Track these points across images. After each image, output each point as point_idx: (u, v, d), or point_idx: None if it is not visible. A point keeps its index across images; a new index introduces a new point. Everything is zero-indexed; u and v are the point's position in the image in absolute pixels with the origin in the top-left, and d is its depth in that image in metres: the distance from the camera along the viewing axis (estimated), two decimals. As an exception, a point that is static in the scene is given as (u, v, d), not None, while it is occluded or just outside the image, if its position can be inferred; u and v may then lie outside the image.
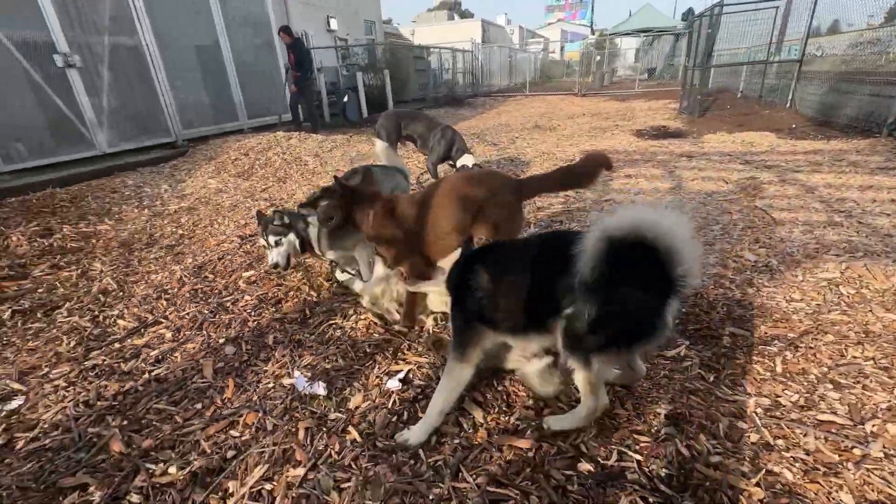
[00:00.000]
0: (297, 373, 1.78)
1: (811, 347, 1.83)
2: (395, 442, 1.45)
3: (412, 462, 1.39)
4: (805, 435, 1.43)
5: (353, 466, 1.38)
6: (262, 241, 2.42)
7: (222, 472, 1.37)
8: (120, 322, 2.22)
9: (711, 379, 1.68)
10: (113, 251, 3.07)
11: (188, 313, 2.27)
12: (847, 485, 1.26)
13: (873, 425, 1.45)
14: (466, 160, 4.26)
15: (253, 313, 2.26)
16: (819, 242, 2.76)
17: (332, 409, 1.62)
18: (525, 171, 5.19)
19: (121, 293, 2.51)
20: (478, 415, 1.57)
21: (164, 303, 2.38)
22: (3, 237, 3.19)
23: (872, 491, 1.24)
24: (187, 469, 1.38)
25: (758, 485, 1.26)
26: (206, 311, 2.27)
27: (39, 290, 2.52)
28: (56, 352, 1.99)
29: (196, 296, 2.45)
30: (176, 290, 2.51)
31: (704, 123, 8.57)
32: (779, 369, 1.72)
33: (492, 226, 1.97)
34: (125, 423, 1.57)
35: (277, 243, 2.35)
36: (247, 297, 2.41)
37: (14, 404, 1.68)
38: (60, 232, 3.32)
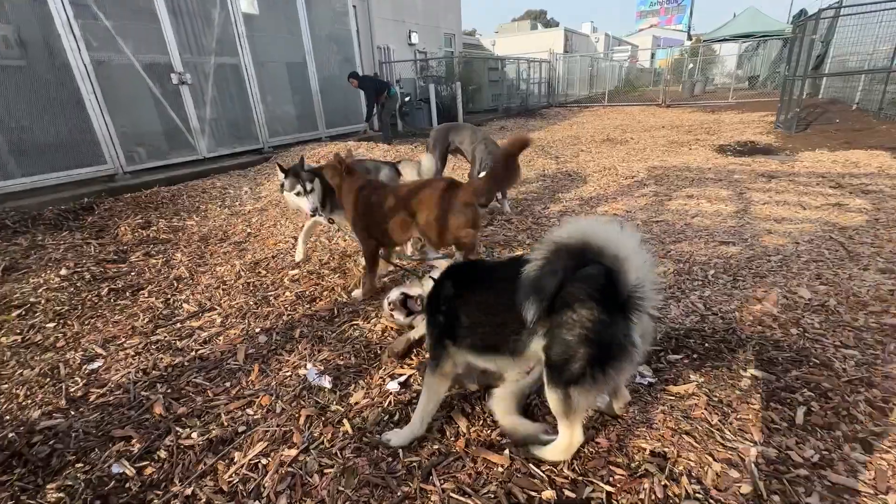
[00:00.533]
0: (310, 365, 1.98)
1: (847, 401, 1.64)
2: (379, 439, 1.57)
3: (390, 459, 1.50)
4: (808, 495, 1.30)
5: (339, 455, 1.52)
6: (289, 192, 2.69)
7: (231, 443, 1.59)
8: (185, 306, 2.61)
9: (714, 421, 1.58)
10: (193, 244, 3.58)
11: (237, 303, 2.60)
12: (842, 557, 1.14)
13: (899, 497, 1.28)
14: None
15: (289, 308, 2.53)
16: (899, 284, 2.40)
17: (335, 402, 1.78)
18: (580, 186, 5.07)
19: (190, 281, 2.93)
20: (462, 425, 1.63)
21: (221, 292, 2.75)
22: (114, 227, 3.87)
23: (873, 569, 1.11)
24: (206, 436, 1.63)
25: (729, 538, 1.18)
26: (251, 303, 2.59)
27: (132, 274, 3.04)
28: (133, 326, 2.40)
29: (247, 288, 2.79)
30: (233, 281, 2.88)
31: (803, 139, 7.69)
32: (799, 420, 1.57)
33: (429, 225, 2.27)
34: (169, 391, 1.87)
35: (312, 189, 2.69)
36: (287, 294, 2.69)
37: (95, 365, 2.07)
38: (157, 225, 3.94)
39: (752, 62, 25.86)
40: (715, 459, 1.43)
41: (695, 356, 1.94)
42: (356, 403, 1.78)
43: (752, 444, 1.48)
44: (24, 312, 2.54)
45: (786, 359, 1.89)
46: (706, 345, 2.02)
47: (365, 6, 12.69)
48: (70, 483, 1.45)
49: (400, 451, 1.52)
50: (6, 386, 1.95)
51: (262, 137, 7.56)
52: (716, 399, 1.68)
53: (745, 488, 1.33)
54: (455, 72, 13.91)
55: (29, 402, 1.85)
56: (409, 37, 16.25)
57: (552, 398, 1.32)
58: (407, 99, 12.27)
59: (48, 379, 1.99)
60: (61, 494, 1.41)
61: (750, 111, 12.63)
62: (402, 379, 1.89)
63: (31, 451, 1.57)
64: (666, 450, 1.47)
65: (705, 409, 1.63)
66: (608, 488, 1.35)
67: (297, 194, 2.69)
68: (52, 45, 5.33)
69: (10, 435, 1.65)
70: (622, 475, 1.39)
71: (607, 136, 9.38)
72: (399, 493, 1.37)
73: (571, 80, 23.47)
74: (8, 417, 1.76)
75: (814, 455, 1.43)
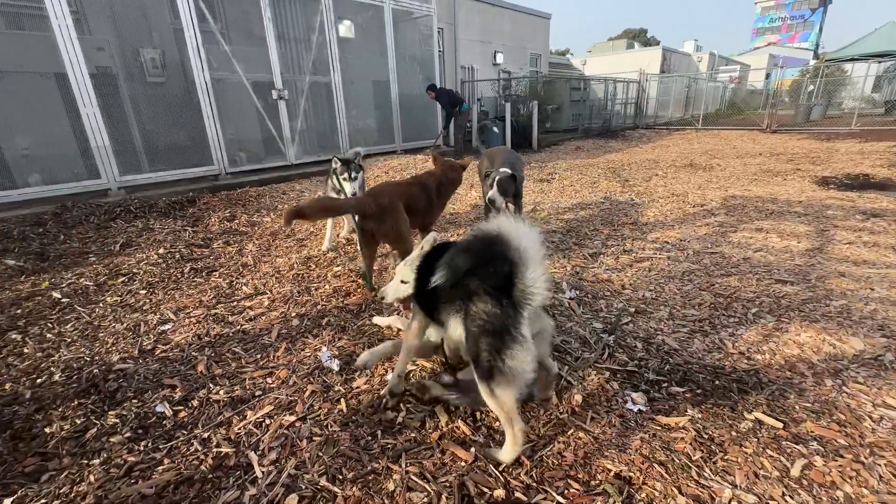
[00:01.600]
0: (325, 349, 2.22)
1: (862, 462, 1.47)
2: (371, 417, 1.75)
3: (369, 439, 1.66)
4: (776, 548, 1.22)
5: (328, 428, 1.72)
6: (337, 179, 3.39)
7: (247, 403, 1.87)
8: (243, 288, 3.04)
9: (696, 457, 1.51)
10: (264, 237, 4.10)
11: (284, 290, 2.96)
12: None
13: (888, 572, 1.15)
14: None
15: (324, 300, 2.83)
16: None
17: (339, 384, 2.00)
18: (639, 211, 4.88)
19: (253, 268, 3.39)
20: (442, 420, 1.75)
21: (274, 280, 3.15)
22: (207, 218, 4.56)
23: None
24: (230, 395, 1.93)
25: (664, 567, 1.16)
26: (295, 291, 2.94)
27: (210, 258, 3.59)
28: (200, 299, 2.86)
29: (295, 279, 3.16)
30: (285, 272, 3.28)
31: (936, 175, 6.57)
32: (794, 473, 1.45)
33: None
34: (212, 354, 2.23)
35: (356, 178, 3.36)
36: (327, 287, 3.01)
37: (166, 327, 2.53)
38: (239, 219, 4.58)
39: (893, 84, 22.36)
40: (681, 493, 1.38)
41: (699, 391, 1.85)
42: (357, 387, 1.97)
43: (729, 486, 1.40)
44: (126, 280, 3.15)
45: (804, 409, 1.73)
46: (716, 382, 1.91)
47: (452, 29, 13.35)
48: (125, 413, 1.82)
49: (379, 432, 1.68)
50: (102, 335, 2.46)
51: (344, 147, 8.30)
52: (705, 436, 1.60)
53: (706, 527, 1.28)
54: (534, 91, 13.96)
55: (113, 348, 2.32)
56: (495, 57, 16.67)
57: (486, 398, 1.44)
58: (485, 118, 12.56)
59: (130, 333, 2.47)
60: (117, 420, 1.78)
61: (875, 140, 11.00)
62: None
63: (105, 385, 1.99)
64: (632, 475, 1.45)
65: (690, 443, 1.57)
66: (560, 499, 1.38)
67: (345, 179, 3.21)
68: (184, 66, 6.45)
69: (94, 370, 2.10)
70: (577, 490, 1.41)
71: (690, 162, 8.79)
72: (368, 468, 1.52)
73: (665, 101, 22.23)
74: (97, 358, 2.23)
75: (799, 510, 1.32)
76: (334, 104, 8.06)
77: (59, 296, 2.88)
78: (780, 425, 1.64)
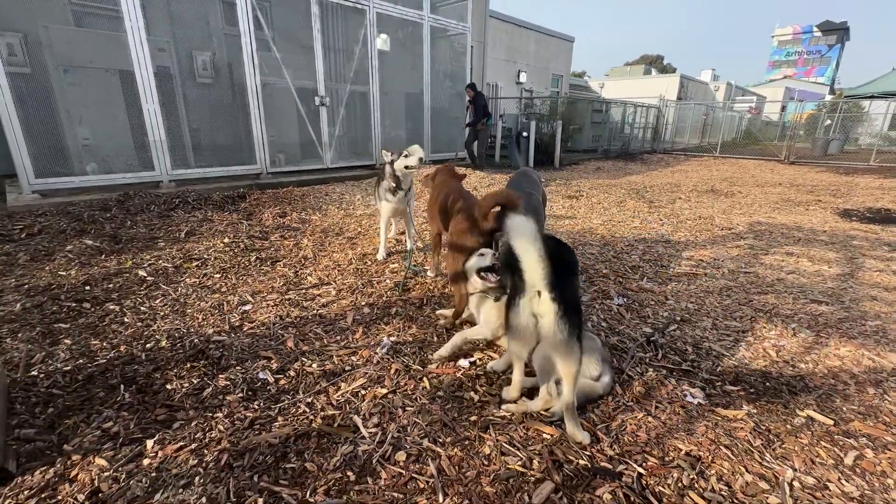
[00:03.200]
0: (385, 338, 2.42)
1: (909, 457, 1.64)
2: (454, 395, 1.94)
3: (456, 414, 1.85)
4: (837, 519, 1.39)
5: (418, 400, 1.92)
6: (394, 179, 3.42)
7: (340, 376, 2.07)
8: (308, 278, 3.26)
9: (757, 443, 1.69)
10: (316, 234, 4.34)
11: (349, 282, 3.18)
12: (857, 570, 1.24)
13: (938, 544, 1.32)
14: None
15: (388, 293, 3.04)
16: None
17: (416, 365, 2.20)
18: (669, 230, 5.07)
19: (314, 261, 3.62)
20: (536, 406, 1.93)
21: (336, 272, 3.37)
22: (260, 213, 4.82)
23: (886, 587, 1.20)
24: (322, 368, 2.13)
25: (742, 525, 1.34)
26: (359, 283, 3.16)
27: (271, 249, 3.82)
28: (272, 286, 3.09)
29: (356, 272, 3.38)
30: (345, 266, 3.50)
31: (957, 214, 6.71)
32: (848, 461, 1.62)
33: None
34: (296, 332, 2.45)
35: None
36: (387, 281, 3.22)
37: (246, 307, 2.75)
38: (290, 216, 4.83)
39: (911, 124, 22.52)
40: (748, 471, 1.56)
41: (752, 391, 2.03)
42: (430, 371, 2.17)
43: (790, 468, 1.58)
44: (199, 264, 3.39)
45: (851, 410, 1.90)
46: (767, 384, 2.09)
47: (482, 47, 13.77)
48: (233, 377, 2.03)
49: (463, 408, 1.87)
50: (190, 311, 2.69)
51: (376, 155, 8.60)
52: (763, 427, 1.78)
53: (773, 500, 1.46)
54: (557, 111, 14.30)
55: (205, 323, 2.54)
56: (518, 76, 17.11)
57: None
58: (509, 135, 12.87)
59: (216, 311, 2.69)
60: (227, 382, 1.99)
61: (894, 177, 11.14)
62: (472, 359, 2.25)
63: (209, 352, 2.20)
64: (701, 454, 1.63)
65: (750, 433, 1.75)
66: (640, 470, 1.56)
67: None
68: (234, 70, 6.81)
69: (195, 340, 2.32)
70: (655, 463, 1.59)
71: (711, 188, 8.99)
72: (461, 435, 1.71)
73: (682, 127, 22.51)
74: (192, 330, 2.45)
75: (854, 491, 1.50)
76: (370, 113, 8.38)
77: (144, 274, 3.13)
78: (831, 422, 1.81)
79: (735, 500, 1.45)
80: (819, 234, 5.14)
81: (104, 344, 2.27)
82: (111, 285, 2.95)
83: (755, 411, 1.88)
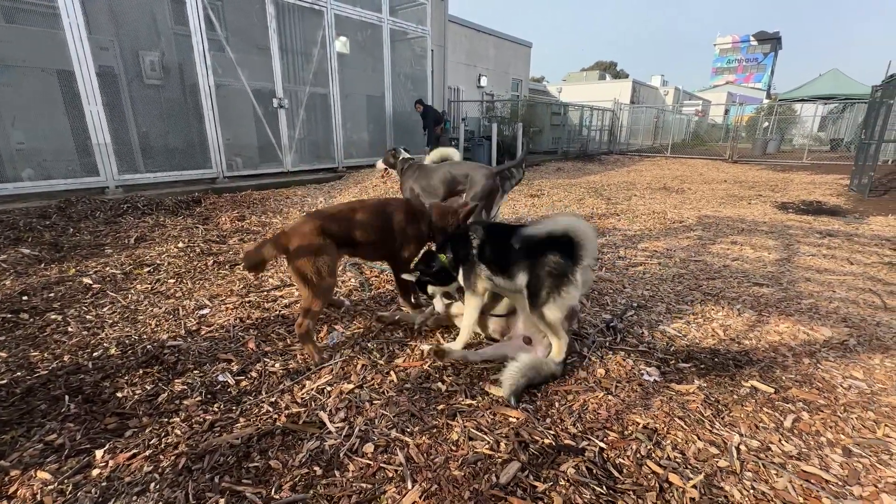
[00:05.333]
0: (337, 328, 2.41)
1: (840, 417, 1.79)
2: (421, 387, 1.95)
3: (424, 405, 1.86)
4: (779, 476, 1.50)
5: (385, 394, 1.91)
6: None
7: (304, 375, 2.03)
8: (270, 280, 3.18)
9: (707, 413, 1.80)
10: (277, 237, 4.23)
11: (312, 282, 3.12)
12: (796, 520, 1.34)
13: (865, 490, 1.45)
14: None
15: (354, 293, 3.01)
16: (929, 335, 2.45)
17: (382, 360, 2.19)
18: (626, 225, 5.29)
19: (276, 263, 3.52)
20: (496, 393, 1.96)
21: (299, 273, 3.30)
22: (216, 217, 4.65)
23: (821, 532, 1.30)
24: (285, 367, 2.08)
25: (696, 487, 1.42)
26: (323, 283, 3.10)
27: (230, 252, 3.70)
28: (231, 289, 2.98)
29: (320, 273, 3.32)
30: (308, 267, 3.44)
31: (878, 204, 7.39)
32: (787, 424, 1.75)
33: None
34: (258, 333, 2.38)
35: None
36: (352, 282, 3.19)
37: (204, 311, 2.64)
38: (249, 219, 4.68)
39: (837, 125, 24.63)
40: (700, 439, 1.66)
41: (702, 366, 2.16)
42: (397, 365, 2.17)
43: (737, 434, 1.69)
44: (152, 270, 3.23)
45: (790, 379, 2.06)
46: (716, 359, 2.22)
47: (442, 51, 13.90)
48: (190, 381, 1.95)
49: (431, 398, 1.88)
50: (142, 318, 2.55)
51: (338, 158, 8.49)
52: (713, 399, 1.90)
53: (723, 463, 1.55)
54: (518, 114, 14.63)
55: (158, 329, 2.42)
56: (479, 80, 17.38)
57: (538, 319, 1.96)
58: (471, 138, 13.03)
59: (171, 316, 2.57)
60: (184, 387, 1.91)
61: (824, 173, 12.12)
62: (431, 345, 2.26)
63: (164, 357, 2.10)
64: (657, 426, 1.72)
65: (701, 404, 1.86)
66: (601, 444, 1.62)
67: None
68: (185, 70, 6.54)
69: (148, 346, 2.21)
70: (615, 437, 1.66)
71: (664, 185, 9.46)
72: (429, 424, 1.72)
73: (635, 129, 23.56)
74: (145, 337, 2.33)
75: (793, 450, 1.62)
76: (331, 115, 8.28)
77: (90, 282, 2.94)
78: (772, 390, 1.96)
79: (689, 466, 1.53)
80: (760, 224, 5.52)
81: (45, 355, 2.13)
82: (52, 294, 2.76)
83: (705, 385, 2.00)
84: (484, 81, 17.49)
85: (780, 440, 1.67)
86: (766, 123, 23.20)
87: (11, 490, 1.39)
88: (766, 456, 1.59)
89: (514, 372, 1.89)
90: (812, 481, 1.48)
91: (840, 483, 1.48)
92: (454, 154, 4.16)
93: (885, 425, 1.75)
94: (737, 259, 3.93)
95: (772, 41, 57.10)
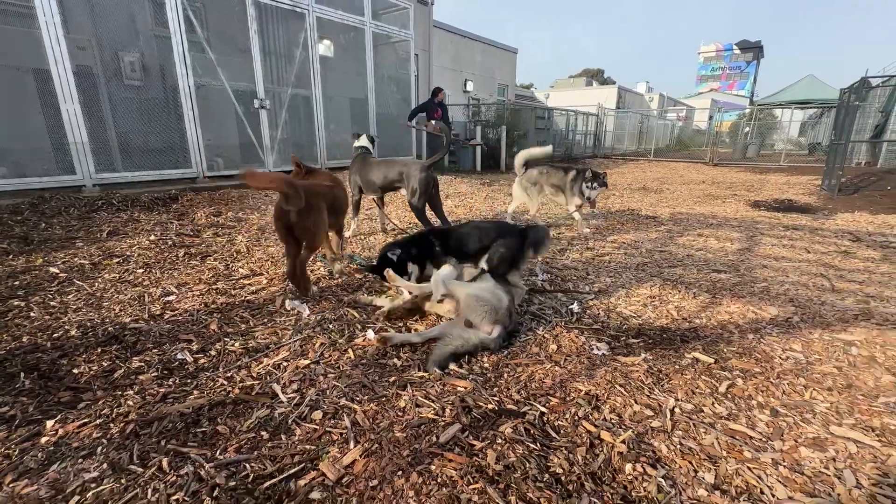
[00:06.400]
0: (295, 301, 2.47)
1: (772, 383, 1.88)
2: (377, 362, 2.00)
3: (377, 377, 1.91)
4: (707, 433, 1.58)
5: (340, 368, 1.96)
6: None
7: (262, 352, 2.08)
8: (240, 270, 3.21)
9: (648, 381, 1.88)
10: (252, 231, 4.26)
11: (281, 271, 3.16)
12: (717, 470, 1.41)
13: (786, 444, 1.53)
14: None
15: (323, 280, 3.05)
16: (869, 313, 2.57)
17: (342, 340, 2.24)
18: (598, 221, 5.41)
19: (247, 255, 3.56)
20: (451, 366, 2.02)
21: (269, 264, 3.34)
22: (192, 213, 4.67)
23: (739, 479, 1.38)
24: (244, 347, 2.12)
25: (624, 442, 1.49)
26: (292, 272, 3.15)
27: (202, 245, 3.72)
28: (200, 278, 3.01)
29: (290, 263, 3.36)
30: (279, 257, 3.48)
31: (847, 202, 7.62)
32: (721, 389, 1.84)
33: None
34: (221, 317, 2.41)
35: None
36: (322, 270, 3.24)
37: (170, 298, 2.67)
38: (226, 214, 4.71)
39: (816, 130, 25.31)
40: (637, 403, 1.73)
41: (650, 342, 2.24)
42: (356, 345, 2.22)
43: (673, 398, 1.77)
44: (121, 261, 3.24)
45: (731, 351, 2.15)
46: (664, 336, 2.31)
47: (427, 56, 14.06)
48: (148, 359, 1.98)
49: (384, 372, 1.94)
50: (107, 304, 2.57)
51: (321, 159, 8.54)
52: (655, 369, 1.98)
53: (656, 423, 1.63)
54: (503, 118, 14.81)
55: (122, 314, 2.44)
56: (465, 85, 17.56)
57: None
58: (456, 142, 13.17)
59: (136, 302, 2.60)
60: (142, 364, 1.94)
61: (799, 174, 12.46)
62: (376, 328, 2.33)
63: (124, 337, 2.13)
64: (598, 393, 1.79)
65: (643, 374, 1.94)
66: (543, 409, 1.69)
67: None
68: (166, 71, 6.56)
69: (110, 328, 2.23)
70: (556, 402, 1.73)
71: (643, 186, 9.66)
72: (379, 394, 1.78)
73: (620, 134, 23.96)
74: (108, 320, 2.36)
75: (724, 412, 1.70)
76: (314, 117, 8.33)
77: (57, 271, 2.95)
78: (712, 360, 2.04)
79: (623, 426, 1.61)
80: (730, 220, 5.68)
81: (4, 337, 2.14)
82: (17, 283, 2.76)
83: (651, 357, 2.08)
84: (470, 86, 17.68)
85: (713, 403, 1.75)
86: (748, 129, 23.76)
87: (-43, 455, 1.41)
88: (698, 417, 1.67)
89: (441, 344, 1.99)
90: (737, 437, 1.56)
91: (763, 439, 1.56)
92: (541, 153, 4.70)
93: (814, 389, 1.85)
94: (700, 249, 4.05)
95: (754, 49, 58.51)
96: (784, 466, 1.43)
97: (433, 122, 10.13)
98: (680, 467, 1.42)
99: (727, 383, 1.87)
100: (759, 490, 1.33)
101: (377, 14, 9.42)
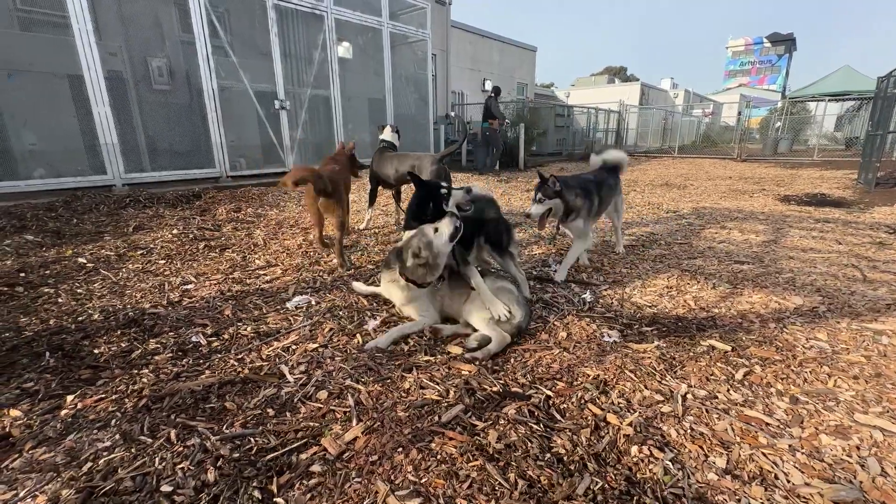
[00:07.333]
0: (298, 297, 2.50)
1: (793, 371, 1.80)
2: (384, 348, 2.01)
3: (385, 361, 1.92)
4: (720, 419, 1.52)
5: (347, 352, 1.98)
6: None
7: (273, 336, 2.11)
8: (256, 261, 3.29)
9: (659, 368, 1.82)
10: (270, 226, 4.36)
11: (295, 262, 3.22)
12: (729, 455, 1.36)
13: (805, 431, 1.46)
14: None
15: (332, 272, 3.09)
16: (904, 303, 2.43)
17: (350, 326, 2.26)
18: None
19: (263, 247, 3.64)
20: (455, 351, 2.02)
21: (285, 255, 3.40)
22: (214, 209, 4.81)
23: (752, 465, 1.32)
24: (256, 331, 2.17)
25: (631, 425, 1.45)
26: (306, 263, 3.20)
27: (222, 239, 3.82)
28: (217, 268, 3.10)
29: (304, 255, 3.42)
30: (294, 249, 3.54)
31: (884, 195, 7.24)
32: (738, 376, 1.76)
33: None
34: (235, 303, 2.47)
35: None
36: (332, 263, 3.28)
37: (188, 286, 2.75)
38: (245, 211, 4.83)
39: (853, 124, 24.12)
40: (647, 388, 1.68)
41: (664, 329, 2.18)
42: (364, 331, 2.23)
43: (686, 385, 1.71)
44: (144, 252, 3.37)
45: (750, 340, 2.06)
46: (679, 324, 2.24)
47: (445, 56, 14.11)
48: (164, 341, 2.04)
49: (390, 353, 1.95)
50: (129, 291, 2.67)
51: (340, 159, 8.66)
52: (668, 356, 1.92)
53: (666, 408, 1.58)
54: (522, 116, 14.71)
55: (143, 300, 2.53)
56: (483, 84, 17.52)
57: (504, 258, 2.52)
58: (474, 141, 13.15)
59: (156, 290, 2.69)
60: (158, 346, 2.01)
61: (834, 169, 11.92)
62: (377, 321, 2.33)
63: (143, 321, 2.21)
64: (607, 378, 1.75)
65: (655, 360, 1.88)
66: (548, 392, 1.66)
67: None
68: (191, 74, 6.79)
69: (130, 313, 2.32)
70: (563, 386, 1.69)
71: (666, 182, 9.43)
72: (384, 376, 1.78)
73: (644, 132, 23.45)
74: (129, 306, 2.45)
75: (739, 398, 1.64)
76: (332, 117, 8.46)
77: (85, 261, 3.09)
78: (729, 348, 1.97)
79: (630, 410, 1.56)
80: (756, 214, 5.47)
81: (34, 320, 2.25)
82: (48, 272, 2.90)
83: (664, 344, 2.02)
84: (488, 86, 17.59)
85: (728, 390, 1.69)
86: (779, 123, 22.87)
87: (-16, 424, 1.49)
88: (712, 403, 1.61)
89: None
90: (753, 424, 1.50)
91: (781, 426, 1.49)
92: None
93: (839, 378, 1.75)
94: (723, 242, 3.92)
95: (786, 42, 56.30)
96: (802, 453, 1.36)
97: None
98: (689, 451, 1.37)
99: (744, 371, 1.80)
100: (773, 475, 1.27)
101: (395, 14, 9.51)
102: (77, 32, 5.39)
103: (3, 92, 5.51)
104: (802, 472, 1.28)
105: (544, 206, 2.87)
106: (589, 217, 3.06)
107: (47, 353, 1.92)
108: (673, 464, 1.31)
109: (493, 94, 11.15)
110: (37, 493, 1.20)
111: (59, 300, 2.51)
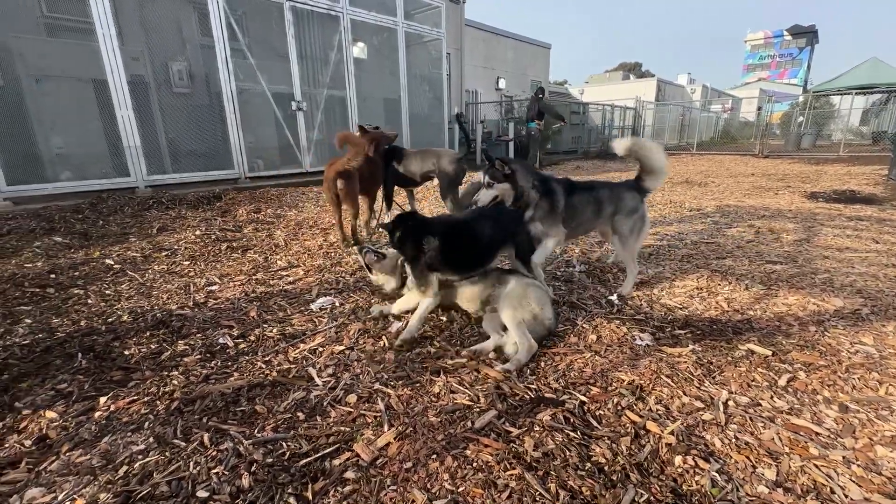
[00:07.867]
0: (321, 298, 2.48)
1: (840, 377, 1.72)
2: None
3: (412, 363, 1.89)
4: (766, 428, 1.46)
5: (374, 354, 1.96)
6: None
7: (299, 338, 2.11)
8: (278, 262, 3.30)
9: (697, 373, 1.76)
10: (290, 226, 4.38)
11: (317, 263, 3.22)
12: (778, 466, 1.30)
13: (858, 442, 1.39)
14: None
15: (355, 273, 3.08)
16: (953, 305, 2.31)
17: (375, 327, 2.24)
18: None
19: (285, 248, 3.65)
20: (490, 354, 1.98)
21: (306, 256, 3.41)
22: (235, 210, 4.85)
23: (804, 477, 1.26)
24: (282, 333, 2.16)
25: (673, 434, 1.39)
26: (327, 264, 3.20)
27: (243, 240, 3.85)
28: (240, 269, 3.11)
29: (325, 256, 3.42)
30: (315, 250, 3.54)
31: (918, 191, 6.96)
32: (781, 383, 1.69)
33: None
34: (260, 304, 2.47)
35: None
36: (353, 265, 3.27)
37: (213, 287, 2.77)
38: (265, 211, 4.87)
39: (880, 118, 23.28)
40: (685, 394, 1.62)
41: (699, 333, 2.11)
42: (390, 333, 2.21)
43: (726, 391, 1.64)
44: (169, 254, 3.41)
45: (791, 344, 1.98)
46: (714, 327, 2.16)
47: (459, 55, 14.05)
48: (192, 342, 2.05)
49: (422, 358, 1.92)
50: (156, 292, 2.70)
51: (356, 159, 8.68)
52: (705, 360, 1.85)
53: (707, 416, 1.52)
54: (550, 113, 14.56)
55: (169, 301, 2.56)
56: (497, 82, 17.42)
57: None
58: (488, 139, 13.10)
59: (182, 291, 2.71)
60: (186, 347, 2.01)
61: (862, 164, 11.52)
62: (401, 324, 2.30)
63: (171, 323, 2.22)
64: (642, 383, 1.69)
65: (692, 365, 1.81)
66: (583, 398, 1.61)
67: None
68: (210, 77, 6.88)
69: (158, 314, 2.34)
70: (598, 391, 1.64)
71: (686, 179, 9.22)
72: (413, 379, 1.76)
73: (660, 128, 23.03)
74: (156, 307, 2.47)
75: (784, 406, 1.56)
76: (348, 117, 8.49)
77: (112, 263, 3.14)
78: (769, 353, 1.89)
79: (670, 417, 1.51)
80: (784, 212, 5.30)
81: (65, 321, 2.28)
82: (77, 273, 2.95)
83: (699, 349, 1.95)
84: (502, 84, 17.51)
85: (771, 397, 1.61)
86: (801, 118, 22.23)
87: (22, 426, 1.50)
88: (755, 411, 1.54)
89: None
90: (801, 433, 1.43)
91: (832, 436, 1.42)
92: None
93: (890, 385, 1.67)
94: (752, 241, 3.80)
95: (807, 35, 54.74)
96: (857, 465, 1.29)
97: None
98: (736, 462, 1.31)
99: (787, 376, 1.72)
100: (828, 489, 1.21)
101: (409, 14, 9.50)
102: (101, 38, 5.50)
103: (31, 97, 5.66)
104: (860, 486, 1.21)
105: (492, 191, 2.51)
106: (550, 223, 2.50)
107: (79, 355, 1.94)
108: (720, 475, 1.25)
109: (540, 96, 11.29)
110: (75, 496, 1.20)
111: (89, 301, 2.55)
